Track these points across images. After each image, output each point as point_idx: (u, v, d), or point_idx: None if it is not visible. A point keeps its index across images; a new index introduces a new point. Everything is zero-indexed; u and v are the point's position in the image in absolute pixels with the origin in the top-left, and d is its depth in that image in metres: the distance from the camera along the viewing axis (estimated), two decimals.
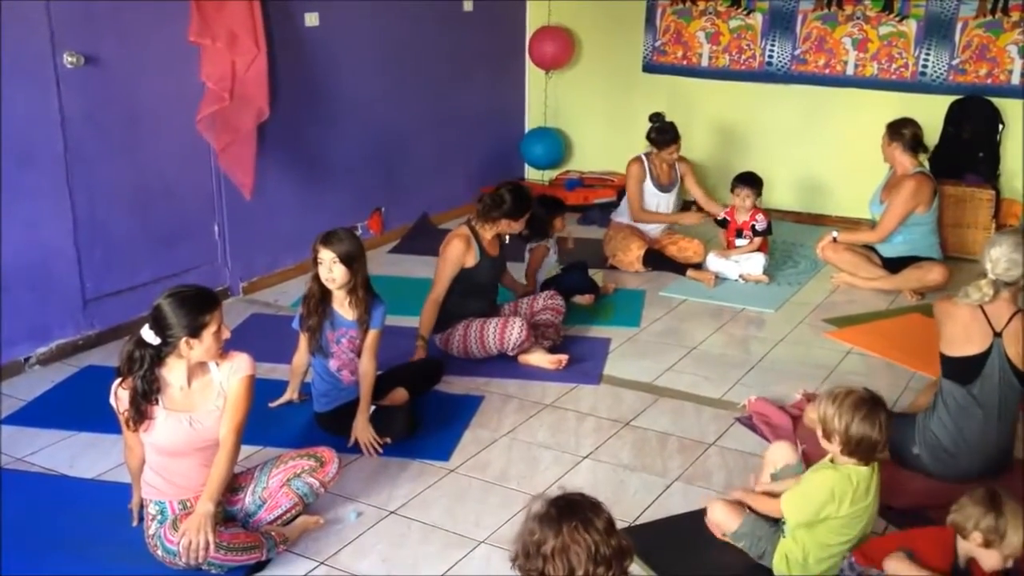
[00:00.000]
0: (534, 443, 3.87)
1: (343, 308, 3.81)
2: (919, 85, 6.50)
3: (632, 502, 3.42)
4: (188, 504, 3.02)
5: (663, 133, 5.86)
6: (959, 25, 6.35)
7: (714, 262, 5.80)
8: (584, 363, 4.59)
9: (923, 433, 3.53)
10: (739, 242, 5.84)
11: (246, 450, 3.38)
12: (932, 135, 6.36)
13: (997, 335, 3.41)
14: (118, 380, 3.01)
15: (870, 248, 5.70)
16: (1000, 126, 6.32)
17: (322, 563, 3.11)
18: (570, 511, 2.07)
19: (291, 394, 4.11)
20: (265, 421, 3.89)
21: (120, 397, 2.99)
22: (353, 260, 3.73)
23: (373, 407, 3.83)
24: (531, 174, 7.79)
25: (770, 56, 6.92)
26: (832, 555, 2.90)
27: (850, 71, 6.70)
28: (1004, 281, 3.40)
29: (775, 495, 3.03)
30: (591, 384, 4.40)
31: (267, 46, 5.06)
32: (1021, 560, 2.92)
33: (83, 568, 3.05)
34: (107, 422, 3.71)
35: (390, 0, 6.21)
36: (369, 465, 3.69)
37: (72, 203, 4.56)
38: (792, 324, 5.14)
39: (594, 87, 7.56)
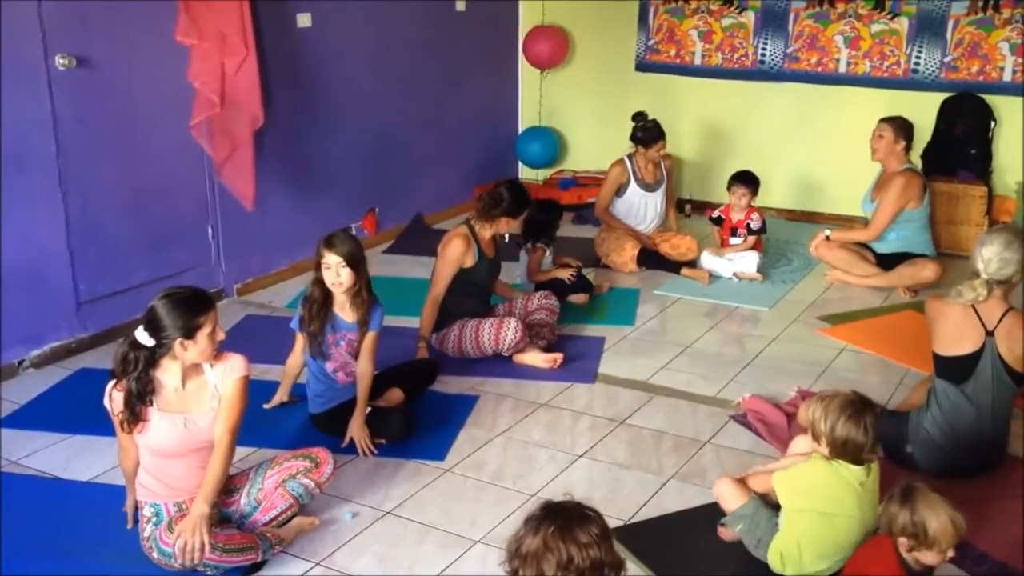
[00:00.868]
0: (529, 442, 3.88)
1: (343, 311, 3.81)
2: (911, 83, 6.51)
3: (627, 500, 3.43)
4: (183, 506, 3.01)
5: (648, 131, 5.89)
6: (951, 22, 6.36)
7: (708, 260, 5.81)
8: (579, 362, 4.59)
9: (916, 431, 3.54)
10: (734, 240, 5.85)
11: (241, 451, 3.38)
12: (924, 132, 6.39)
13: (989, 334, 3.41)
14: (112, 382, 3.01)
15: (863, 245, 5.72)
16: (992, 123, 6.33)
17: (318, 564, 3.11)
18: (553, 517, 2.03)
19: (282, 395, 4.10)
20: (260, 422, 3.89)
21: (115, 399, 2.99)
22: (358, 262, 3.73)
23: (368, 408, 3.83)
24: (525, 173, 7.78)
25: (763, 54, 6.93)
26: (827, 555, 2.89)
27: (842, 69, 6.72)
28: (997, 280, 3.41)
29: (771, 472, 3.05)
30: (586, 383, 4.40)
31: (259, 47, 5.06)
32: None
33: (78, 571, 3.05)
34: (101, 424, 3.71)
35: (383, 0, 6.21)
36: (364, 465, 3.69)
37: (65, 205, 4.55)
38: (786, 322, 5.15)
39: (587, 86, 7.57)
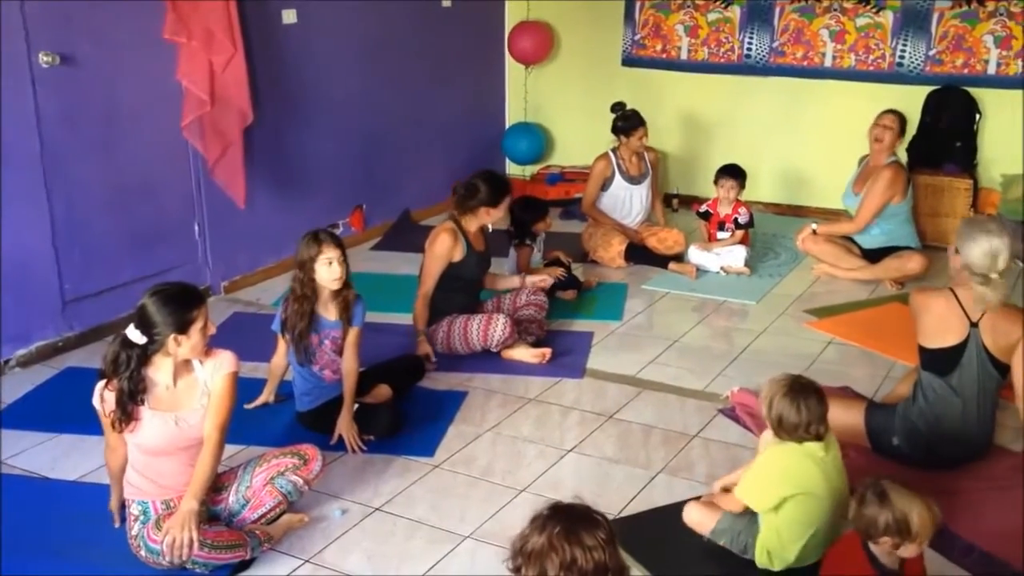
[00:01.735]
0: (518, 437, 3.88)
1: (326, 310, 3.80)
2: (896, 76, 6.54)
3: (616, 495, 3.43)
4: (171, 504, 3.01)
5: (628, 119, 5.91)
6: (935, 16, 6.39)
7: (696, 255, 5.81)
8: (567, 357, 4.59)
9: (903, 423, 3.55)
10: (721, 235, 5.87)
11: (229, 449, 3.36)
12: (910, 126, 6.39)
13: (974, 325, 3.43)
14: (103, 382, 2.99)
15: (849, 239, 5.74)
16: (977, 116, 6.36)
17: (307, 561, 3.11)
18: (559, 518, 2.03)
19: (267, 396, 4.09)
20: (247, 420, 3.88)
21: (106, 399, 2.97)
22: (346, 256, 3.75)
23: (356, 404, 3.83)
24: (512, 169, 7.78)
25: (748, 49, 6.94)
26: (803, 536, 2.90)
27: (828, 63, 6.73)
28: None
29: (731, 490, 3.06)
30: (574, 378, 4.41)
31: (245, 45, 5.04)
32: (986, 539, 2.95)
33: (65, 570, 3.04)
34: (88, 424, 3.69)
35: None
36: (353, 462, 3.69)
37: (50, 203, 4.52)
38: (774, 315, 5.17)
39: (574, 81, 7.57)
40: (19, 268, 4.43)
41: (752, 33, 6.91)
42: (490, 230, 4.75)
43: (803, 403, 2.85)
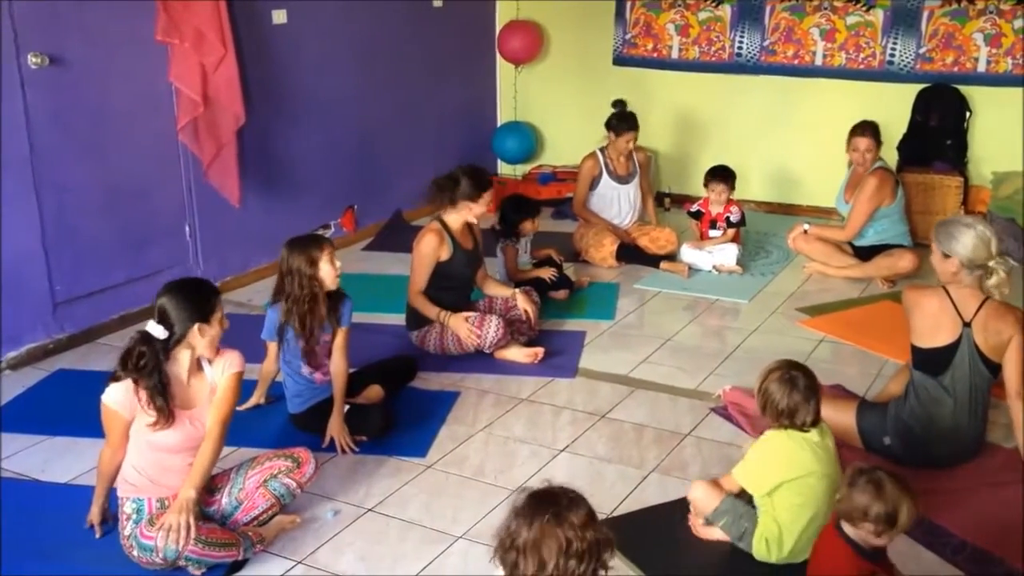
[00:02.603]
0: (511, 437, 3.88)
1: (321, 311, 3.79)
2: (887, 74, 6.55)
3: (609, 494, 3.43)
4: (166, 502, 3.00)
5: (623, 120, 5.93)
6: (925, 14, 6.40)
7: (688, 253, 5.82)
8: (559, 357, 4.59)
9: (895, 423, 3.56)
10: (713, 233, 5.87)
11: (222, 451, 3.35)
12: (900, 124, 6.43)
13: (966, 324, 3.43)
14: (121, 383, 2.96)
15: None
16: (967, 113, 6.38)
17: (300, 562, 3.10)
18: (545, 505, 2.06)
19: (258, 398, 4.08)
20: (240, 422, 3.83)
21: (140, 397, 2.94)
22: None
23: (348, 405, 3.82)
24: (504, 169, 7.78)
25: (739, 47, 6.95)
26: (801, 520, 2.91)
27: (818, 61, 6.74)
28: (978, 264, 3.42)
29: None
30: (567, 377, 4.41)
31: (235, 45, 5.02)
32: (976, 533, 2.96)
33: (57, 572, 3.03)
34: (80, 426, 3.70)
35: None
36: (345, 463, 3.68)
37: (40, 205, 4.50)
38: (765, 314, 5.17)
39: (565, 81, 7.57)
40: (9, 270, 4.41)
41: (743, 32, 6.91)
42: (475, 221, 4.67)
43: (789, 388, 2.90)
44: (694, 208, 5.98)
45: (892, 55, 6.53)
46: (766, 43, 6.87)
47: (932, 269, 3.64)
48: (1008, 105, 6.23)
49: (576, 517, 2.04)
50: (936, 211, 6.15)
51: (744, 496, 3.06)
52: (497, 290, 4.82)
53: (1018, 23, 6.17)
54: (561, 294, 5.35)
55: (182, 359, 3.02)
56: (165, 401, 2.95)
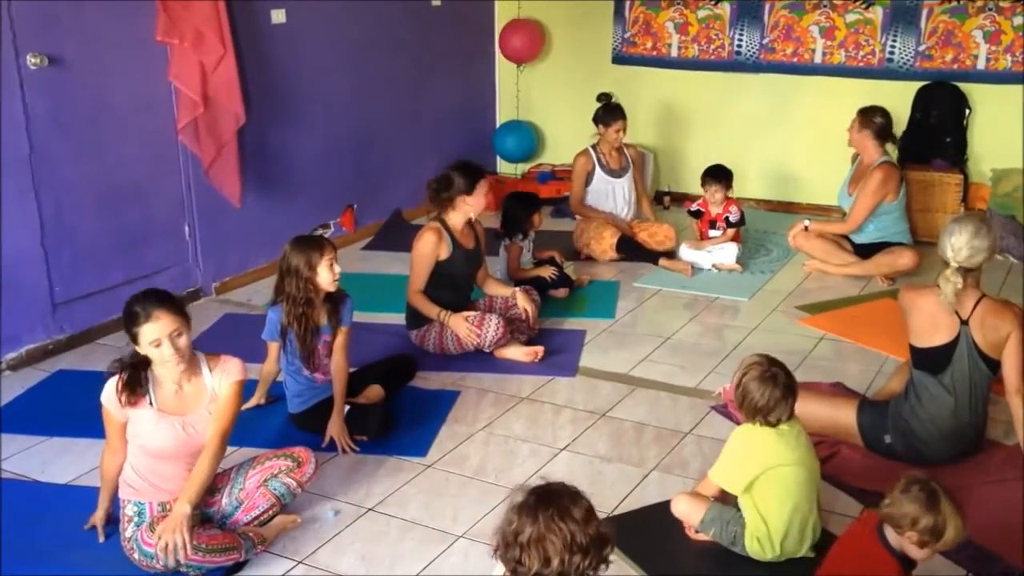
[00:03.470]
0: (511, 436, 3.88)
1: (317, 313, 3.79)
2: (886, 72, 6.55)
3: (609, 493, 3.43)
4: (167, 506, 3.00)
5: (609, 111, 5.95)
6: (925, 11, 6.40)
7: (687, 253, 5.81)
8: (560, 355, 4.59)
9: (895, 421, 3.56)
10: (712, 233, 5.87)
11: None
12: (900, 121, 6.42)
13: (964, 323, 3.43)
14: (109, 382, 2.99)
15: (841, 235, 5.74)
16: (967, 111, 6.38)
17: (300, 562, 3.10)
18: (547, 500, 2.07)
19: (259, 398, 4.07)
20: (240, 422, 3.80)
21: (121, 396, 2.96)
22: None
23: (348, 405, 3.82)
24: (504, 168, 7.78)
25: (739, 45, 6.94)
26: (784, 510, 2.91)
27: (818, 59, 6.74)
28: (967, 268, 3.41)
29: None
30: (567, 376, 4.40)
31: (234, 45, 5.02)
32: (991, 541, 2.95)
33: (56, 573, 3.02)
34: (79, 427, 3.70)
35: None
36: (346, 463, 3.68)
37: (39, 205, 4.50)
38: (765, 312, 5.17)
39: (565, 79, 7.56)
40: (8, 270, 4.41)
41: (742, 30, 6.91)
42: (473, 218, 4.66)
43: (773, 387, 2.90)
44: (694, 207, 5.98)
45: (891, 53, 6.52)
46: (765, 41, 6.86)
47: (931, 267, 3.64)
48: (1007, 102, 6.23)
49: (578, 512, 2.06)
50: (936, 209, 6.15)
51: (731, 500, 3.05)
52: (497, 289, 4.82)
53: (1017, 20, 6.17)
54: (561, 292, 5.35)
55: (165, 365, 2.96)
56: (132, 389, 2.93)
